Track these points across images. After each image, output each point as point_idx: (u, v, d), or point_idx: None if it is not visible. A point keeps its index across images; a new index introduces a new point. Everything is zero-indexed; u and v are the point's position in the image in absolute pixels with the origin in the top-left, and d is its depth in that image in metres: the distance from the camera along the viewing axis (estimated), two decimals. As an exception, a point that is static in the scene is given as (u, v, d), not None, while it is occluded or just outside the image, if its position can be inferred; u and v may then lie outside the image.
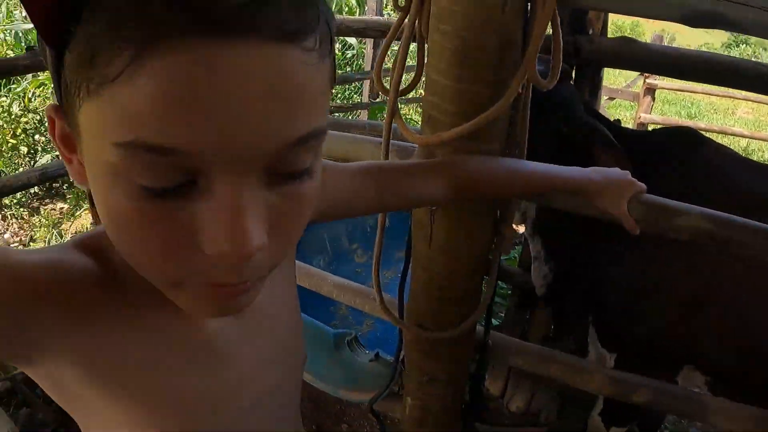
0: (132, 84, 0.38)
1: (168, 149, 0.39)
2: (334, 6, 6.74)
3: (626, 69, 2.50)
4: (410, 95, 1.83)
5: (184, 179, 0.42)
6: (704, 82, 2.27)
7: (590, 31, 2.36)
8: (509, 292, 2.99)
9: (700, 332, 1.84)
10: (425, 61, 1.21)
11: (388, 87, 1.22)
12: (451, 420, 1.69)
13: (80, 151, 0.47)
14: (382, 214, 1.35)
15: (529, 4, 1.13)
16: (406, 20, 1.18)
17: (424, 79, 1.24)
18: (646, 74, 6.22)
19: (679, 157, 1.94)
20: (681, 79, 2.28)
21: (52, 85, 0.51)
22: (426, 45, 1.20)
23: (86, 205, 5.20)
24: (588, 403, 2.90)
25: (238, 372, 0.66)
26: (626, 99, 6.72)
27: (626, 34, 2.30)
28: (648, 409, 2.20)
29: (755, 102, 7.00)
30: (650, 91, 6.32)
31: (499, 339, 1.61)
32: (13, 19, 6.76)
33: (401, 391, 1.78)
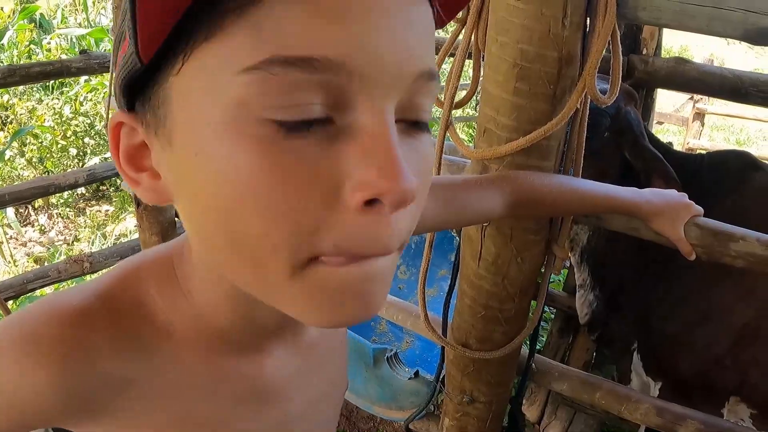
0: (267, 4, 0.36)
1: (313, 60, 0.36)
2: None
3: (680, 90, 2.44)
4: (456, 114, 1.81)
5: (322, 113, 0.38)
6: (761, 105, 2.21)
7: (644, 51, 2.32)
8: (552, 316, 2.94)
9: (750, 363, 1.80)
10: (481, 74, 1.19)
11: (441, 100, 1.20)
12: (489, 445, 1.65)
13: (160, 148, 0.43)
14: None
15: (588, 18, 1.10)
16: (462, 32, 1.17)
17: (478, 92, 1.21)
18: (696, 98, 6.12)
19: (734, 182, 1.90)
20: (736, 101, 2.22)
21: (113, 94, 0.48)
22: (482, 57, 1.18)
23: (131, 209, 5.29)
24: (627, 435, 2.84)
25: (288, 413, 0.62)
26: (675, 124, 6.61)
27: (676, 57, 2.25)
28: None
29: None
30: (699, 116, 6.21)
31: (542, 362, 1.57)
32: (67, 24, 6.94)
33: (438, 411, 1.75)
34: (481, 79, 1.20)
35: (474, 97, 1.26)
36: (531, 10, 1.04)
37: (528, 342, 1.49)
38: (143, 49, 0.38)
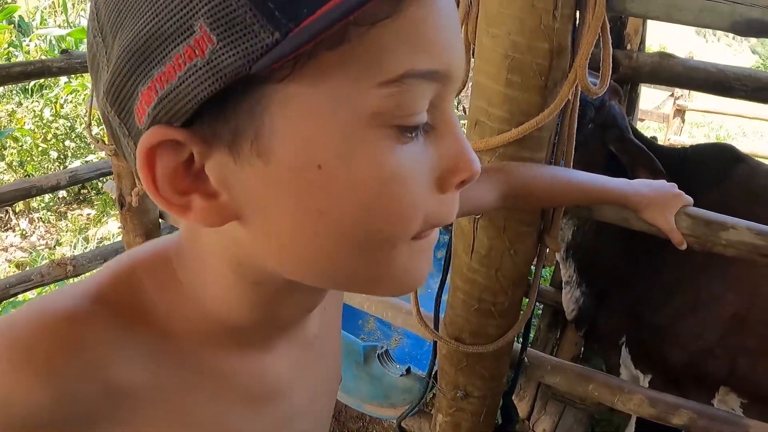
0: (400, 20, 0.38)
1: (435, 72, 0.40)
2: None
3: (665, 85, 2.46)
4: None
5: (426, 116, 0.42)
6: (744, 99, 2.23)
7: (628, 46, 2.33)
8: (540, 311, 2.95)
9: (739, 352, 1.81)
10: (472, 65, 1.19)
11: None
12: (482, 440, 1.65)
13: (237, 164, 0.40)
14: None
15: (577, 10, 1.10)
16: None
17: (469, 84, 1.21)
18: (676, 95, 6.18)
19: (718, 174, 1.92)
20: (721, 95, 2.24)
21: (158, 103, 0.39)
22: (472, 51, 1.18)
23: (113, 212, 5.24)
24: (616, 428, 2.85)
25: (290, 408, 0.62)
26: (655, 121, 6.67)
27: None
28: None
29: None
30: (680, 112, 6.27)
31: (535, 356, 1.57)
32: (47, 25, 6.87)
33: (429, 408, 1.74)
34: (471, 72, 1.20)
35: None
36: (523, 1, 1.04)
37: (520, 336, 1.49)
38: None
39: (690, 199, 1.23)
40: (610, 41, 1.12)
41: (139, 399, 0.48)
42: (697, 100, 6.60)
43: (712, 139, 9.15)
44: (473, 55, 1.19)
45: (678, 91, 6.28)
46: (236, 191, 0.42)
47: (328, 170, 0.40)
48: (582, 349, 2.75)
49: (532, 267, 1.38)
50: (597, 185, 1.17)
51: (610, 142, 1.75)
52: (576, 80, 1.08)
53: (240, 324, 0.52)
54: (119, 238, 4.71)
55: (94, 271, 3.50)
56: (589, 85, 1.08)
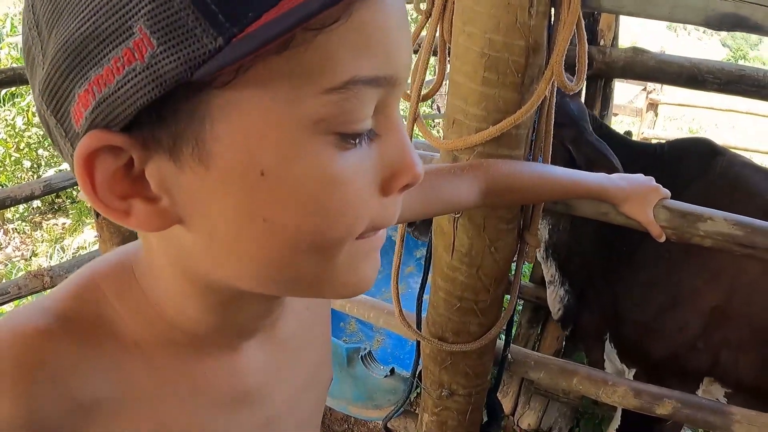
0: (347, 26, 0.37)
1: (381, 78, 0.40)
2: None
3: (638, 80, 2.49)
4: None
5: (371, 122, 0.42)
6: (717, 92, 2.26)
7: (601, 42, 2.35)
8: (520, 307, 2.97)
9: (721, 343, 1.84)
10: (448, 64, 1.19)
11: (408, 93, 1.19)
12: (468, 437, 1.65)
13: (178, 169, 0.40)
14: (401, 224, 1.33)
15: (552, 7, 1.11)
16: (427, 25, 1.16)
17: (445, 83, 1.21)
18: (649, 89, 6.25)
19: (697, 169, 1.95)
20: (694, 88, 2.26)
21: (93, 110, 0.38)
22: (448, 48, 1.18)
23: (89, 220, 5.18)
24: (600, 420, 2.88)
25: (269, 411, 0.61)
26: (629, 115, 6.73)
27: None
28: (665, 424, 2.18)
29: (757, 115, 7.01)
30: (653, 106, 6.33)
31: (518, 352, 1.57)
32: (17, 32, 6.77)
33: (414, 408, 1.74)
34: (447, 71, 1.20)
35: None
36: (498, -1, 1.04)
37: (502, 332, 1.49)
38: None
39: (667, 192, 1.24)
40: (586, 37, 1.12)
41: (111, 411, 0.47)
42: (670, 93, 6.67)
43: (685, 132, 9.27)
44: (449, 54, 1.19)
45: (650, 85, 6.34)
46: (177, 196, 0.41)
47: (270, 177, 0.39)
48: (564, 343, 2.78)
49: (513, 264, 1.38)
50: (576, 180, 1.18)
51: (567, 141, 1.76)
52: (552, 77, 1.08)
53: (200, 330, 0.52)
54: (96, 247, 4.67)
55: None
56: (566, 82, 1.08)
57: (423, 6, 1.19)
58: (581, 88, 1.96)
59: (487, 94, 1.11)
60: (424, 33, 1.21)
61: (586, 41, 1.12)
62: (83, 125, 0.38)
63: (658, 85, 6.45)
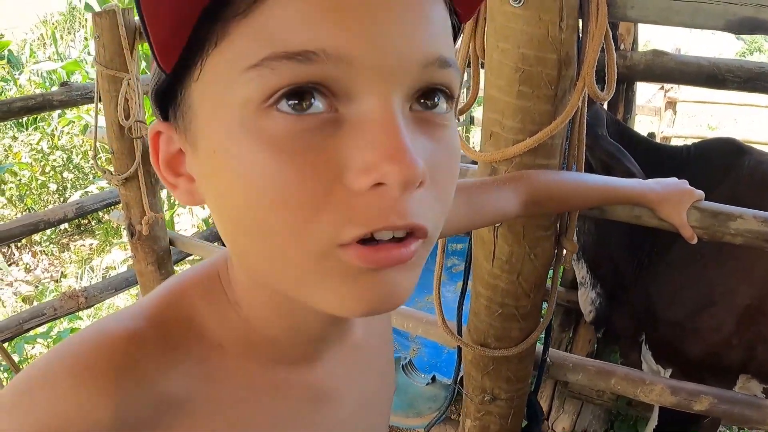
0: (272, 4, 0.39)
1: (310, 53, 0.38)
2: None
3: (659, 81, 2.52)
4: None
5: (325, 104, 0.40)
6: (737, 90, 2.28)
7: (621, 47, 2.38)
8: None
9: (756, 340, 1.85)
10: (482, 79, 1.23)
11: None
12: (509, 441, 1.68)
13: (190, 152, 0.47)
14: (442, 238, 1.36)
15: (581, 20, 1.14)
16: (460, 41, 1.20)
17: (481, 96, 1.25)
18: (666, 88, 6.23)
19: (724, 169, 1.96)
20: (714, 87, 2.29)
21: (152, 107, 0.50)
22: (481, 64, 1.22)
23: (116, 240, 5.25)
24: (635, 421, 2.88)
25: (340, 416, 0.63)
26: (647, 114, 6.71)
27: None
28: (702, 422, 2.19)
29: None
30: (671, 104, 6.31)
31: (556, 356, 1.60)
32: (37, 59, 6.89)
33: (455, 416, 1.77)
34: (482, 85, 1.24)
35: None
36: (530, 15, 1.08)
37: (542, 337, 1.52)
38: (162, 60, 0.42)
39: (701, 194, 1.26)
40: (614, 47, 1.16)
41: (196, 409, 0.50)
42: (687, 91, 6.64)
43: (705, 129, 9.21)
44: (482, 68, 1.23)
45: (667, 84, 6.33)
46: (196, 177, 0.49)
47: (219, 155, 0.42)
48: (596, 346, 2.79)
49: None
50: (612, 186, 1.21)
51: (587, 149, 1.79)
52: (584, 87, 1.12)
53: (277, 334, 0.55)
54: (125, 267, 4.75)
55: (107, 301, 3.52)
56: (597, 92, 1.12)
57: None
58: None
59: (522, 106, 1.15)
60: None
61: (614, 52, 1.15)
62: (150, 94, 0.49)
63: (675, 84, 6.44)
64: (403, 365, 1.81)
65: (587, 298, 2.25)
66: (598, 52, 1.11)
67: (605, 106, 2.27)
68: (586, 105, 1.23)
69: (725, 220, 1.24)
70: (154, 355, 0.48)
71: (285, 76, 0.38)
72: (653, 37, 12.27)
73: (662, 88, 6.42)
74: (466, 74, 3.02)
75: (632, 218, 1.30)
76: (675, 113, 6.44)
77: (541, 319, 1.43)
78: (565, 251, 1.35)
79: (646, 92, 7.58)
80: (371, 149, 0.39)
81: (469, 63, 1.24)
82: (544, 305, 1.46)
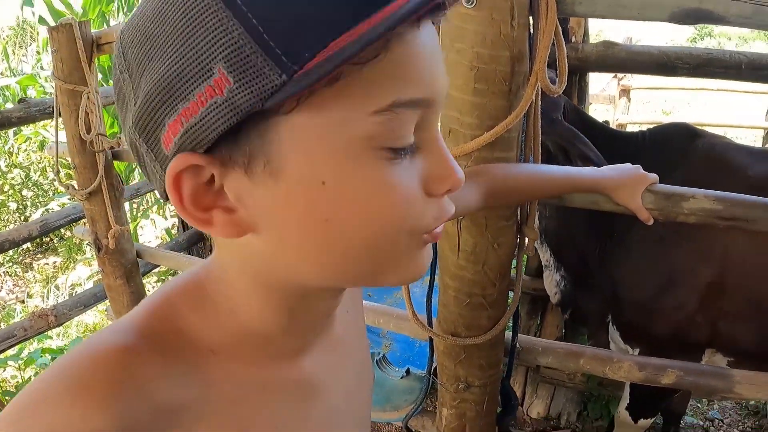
0: (386, 59, 0.45)
1: (421, 100, 0.48)
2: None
3: (611, 72, 2.59)
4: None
5: (412, 138, 0.50)
6: (688, 76, 2.35)
7: (572, 39, 2.44)
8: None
9: (719, 316, 1.92)
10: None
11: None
12: (487, 427, 1.73)
13: (251, 183, 0.48)
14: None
15: (531, 18, 1.19)
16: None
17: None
18: (620, 76, 6.36)
19: (679, 153, 2.03)
20: (665, 75, 2.36)
21: (184, 134, 0.46)
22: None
23: (80, 257, 5.19)
24: (607, 401, 2.95)
25: (330, 407, 0.67)
26: (602, 103, 6.84)
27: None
28: (673, 397, 2.26)
29: (726, 90, 7.15)
30: (625, 92, 6.44)
31: (525, 341, 1.65)
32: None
33: (432, 407, 1.81)
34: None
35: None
36: (482, 15, 1.13)
37: (510, 323, 1.57)
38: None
39: (655, 177, 1.32)
40: (564, 42, 1.21)
41: (195, 415, 0.52)
42: (640, 78, 6.78)
43: (659, 114, 9.40)
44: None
45: (620, 73, 6.47)
46: (251, 206, 0.49)
47: (330, 186, 0.47)
48: (563, 331, 2.85)
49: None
50: (569, 176, 1.27)
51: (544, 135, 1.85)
52: (537, 82, 1.17)
53: (272, 331, 0.58)
54: (91, 283, 4.70)
55: (75, 318, 3.48)
56: (550, 85, 1.17)
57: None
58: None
59: (478, 103, 1.20)
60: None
61: (564, 47, 1.20)
62: (172, 149, 0.47)
63: (627, 73, 6.56)
64: (377, 360, 1.84)
65: (552, 281, 2.30)
66: (548, 48, 1.16)
67: (561, 97, 2.32)
68: (539, 98, 1.28)
69: (678, 200, 1.30)
70: (149, 367, 0.50)
71: (402, 120, 0.47)
72: (605, 28, 12.47)
73: (615, 76, 6.54)
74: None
75: (590, 204, 1.36)
76: (629, 101, 6.57)
77: (508, 307, 1.48)
78: (527, 239, 1.40)
79: (600, 81, 7.72)
80: (445, 167, 0.52)
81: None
82: (512, 294, 1.51)
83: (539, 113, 1.29)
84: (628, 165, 1.34)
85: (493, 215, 1.30)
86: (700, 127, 2.18)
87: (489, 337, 1.44)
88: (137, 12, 0.48)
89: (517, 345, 1.61)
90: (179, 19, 0.43)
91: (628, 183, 1.30)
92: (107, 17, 5.44)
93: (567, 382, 2.81)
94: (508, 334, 1.62)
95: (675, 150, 2.05)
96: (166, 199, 0.51)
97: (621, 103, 6.43)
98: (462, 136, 1.24)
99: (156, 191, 0.53)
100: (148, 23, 0.46)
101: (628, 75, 6.30)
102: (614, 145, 2.05)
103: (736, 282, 1.88)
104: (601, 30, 11.92)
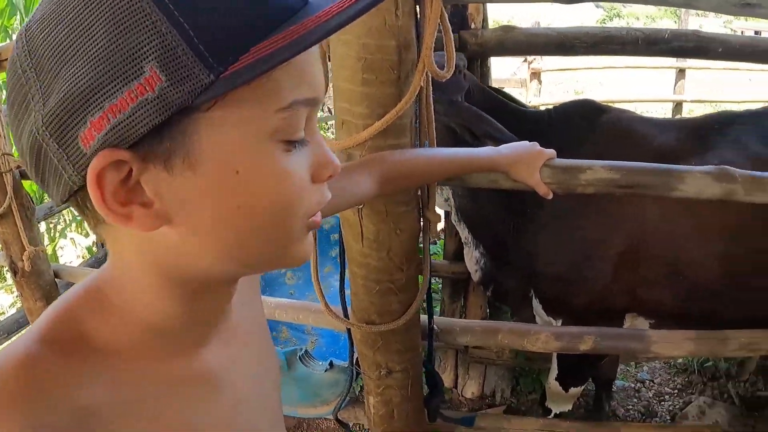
0: (290, 64, 0.50)
1: (312, 99, 0.55)
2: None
3: (512, 55, 2.65)
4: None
5: (302, 132, 0.56)
6: (586, 54, 2.44)
7: (472, 26, 2.48)
8: (440, 285, 3.09)
9: (636, 282, 1.99)
10: (330, 73, 1.29)
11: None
12: (415, 411, 1.75)
13: (169, 175, 0.50)
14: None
15: (417, 6, 1.22)
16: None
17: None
18: (529, 60, 6.53)
19: (585, 129, 2.08)
20: (564, 55, 2.44)
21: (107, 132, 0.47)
22: (328, 57, 1.27)
23: (1, 285, 4.99)
24: (538, 374, 3.03)
25: (238, 392, 0.69)
26: (514, 87, 7.00)
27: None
28: (600, 364, 2.34)
29: (636, 67, 7.43)
30: (535, 75, 6.62)
31: (443, 322, 1.69)
32: None
33: (361, 397, 1.82)
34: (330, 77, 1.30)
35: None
36: (367, 6, 1.14)
37: (425, 306, 1.60)
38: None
39: (552, 152, 1.36)
40: (450, 29, 1.23)
41: (107, 416, 0.53)
42: (550, 61, 6.97)
43: (572, 95, 9.67)
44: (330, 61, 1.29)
45: (530, 56, 6.64)
46: (168, 198, 0.51)
47: (242, 174, 0.52)
48: (488, 311, 2.91)
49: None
50: (464, 156, 1.30)
51: (441, 114, 1.88)
52: (425, 68, 1.19)
53: (173, 325, 0.59)
54: (13, 310, 4.52)
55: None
56: (437, 70, 1.20)
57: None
58: (461, 71, 2.07)
59: (368, 93, 1.22)
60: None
61: (451, 32, 1.23)
62: (93, 146, 0.48)
63: (527, 55, 6.75)
64: (300, 356, 1.84)
65: (472, 258, 2.32)
66: (434, 35, 1.18)
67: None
68: (430, 84, 1.31)
69: (576, 173, 1.35)
70: (57, 374, 0.51)
71: (300, 115, 0.54)
72: (517, 12, 12.75)
73: (526, 60, 6.72)
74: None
75: (489, 183, 1.39)
76: (540, 83, 6.76)
77: (419, 290, 1.51)
78: (429, 222, 1.43)
79: (510, 65, 7.92)
80: (326, 155, 0.59)
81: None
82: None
83: (431, 98, 1.32)
84: (525, 142, 1.38)
85: (393, 201, 1.32)
86: (604, 103, 2.25)
87: (402, 322, 1.46)
88: (49, 9, 0.49)
89: (435, 327, 1.65)
90: (108, 19, 0.45)
91: (524, 159, 1.33)
92: (9, 32, 5.23)
93: (496, 360, 2.86)
94: (427, 317, 1.65)
95: (581, 126, 2.09)
96: (65, 202, 0.53)
97: (532, 85, 6.61)
98: (354, 126, 1.25)
99: (54, 198, 0.53)
100: (66, 21, 0.47)
101: (538, 58, 6.48)
102: (522, 123, 2.07)
103: (650, 248, 1.94)
104: (513, 17, 12.17)
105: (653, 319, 2.09)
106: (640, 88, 9.09)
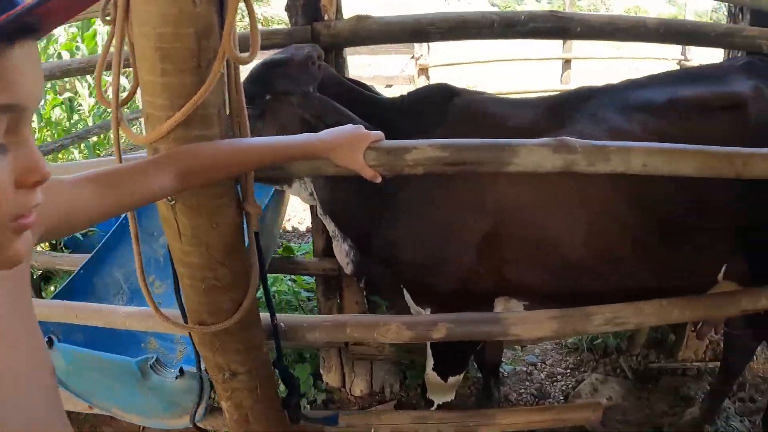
0: None
1: (12, 106, 0.57)
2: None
3: (366, 44, 2.61)
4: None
5: (2, 138, 0.59)
6: (441, 40, 2.43)
7: (325, 17, 2.45)
8: (313, 284, 3.04)
9: (502, 264, 1.97)
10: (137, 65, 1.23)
11: (109, 100, 1.24)
12: (272, 413, 1.71)
13: None
14: (132, 224, 1.35)
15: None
16: (116, 30, 1.19)
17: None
18: (416, 56, 6.59)
19: (439, 110, 2.07)
20: (419, 41, 2.45)
21: None
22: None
23: None
24: (424, 366, 3.02)
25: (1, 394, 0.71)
26: (403, 83, 7.05)
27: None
28: (476, 350, 2.33)
29: (525, 60, 7.62)
30: (423, 71, 6.70)
31: (289, 320, 1.65)
32: None
33: (218, 403, 1.77)
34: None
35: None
36: (162, -5, 1.10)
37: (266, 304, 1.55)
38: None
39: (379, 134, 1.33)
40: (255, 14, 1.20)
41: None
42: (437, 56, 7.06)
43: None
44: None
45: (417, 52, 6.71)
46: None
47: None
48: (366, 306, 2.87)
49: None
50: (277, 144, 1.26)
51: (295, 106, 1.88)
52: (224, 54, 1.15)
53: None
54: None
55: None
56: (239, 56, 1.16)
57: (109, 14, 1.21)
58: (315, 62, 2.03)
59: (167, 83, 1.17)
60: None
61: (255, 18, 1.20)
62: None
63: (424, 50, 6.83)
64: (151, 365, 1.76)
65: (342, 251, 2.27)
66: (234, 21, 1.14)
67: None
68: (238, 72, 1.27)
69: (401, 153, 1.33)
70: None
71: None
72: (412, 8, 12.83)
73: (413, 57, 6.78)
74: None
75: (313, 170, 1.37)
76: (428, 79, 6.84)
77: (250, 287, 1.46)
78: (250, 215, 1.38)
79: (398, 63, 7.97)
80: (35, 161, 0.62)
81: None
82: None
83: (242, 88, 1.28)
84: (348, 126, 1.35)
85: (205, 195, 1.27)
86: (458, 87, 2.23)
87: (234, 321, 1.41)
88: None
89: (280, 324, 1.60)
90: None
91: (344, 143, 1.30)
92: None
93: (378, 355, 2.84)
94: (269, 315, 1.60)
95: (434, 110, 2.07)
96: None
97: (420, 81, 6.67)
98: (157, 119, 1.20)
99: None
100: None
101: (425, 54, 6.56)
102: (376, 111, 2.04)
103: (511, 228, 1.93)
104: (406, 12, 12.24)
105: (527, 300, 2.08)
106: (530, 79, 9.31)
